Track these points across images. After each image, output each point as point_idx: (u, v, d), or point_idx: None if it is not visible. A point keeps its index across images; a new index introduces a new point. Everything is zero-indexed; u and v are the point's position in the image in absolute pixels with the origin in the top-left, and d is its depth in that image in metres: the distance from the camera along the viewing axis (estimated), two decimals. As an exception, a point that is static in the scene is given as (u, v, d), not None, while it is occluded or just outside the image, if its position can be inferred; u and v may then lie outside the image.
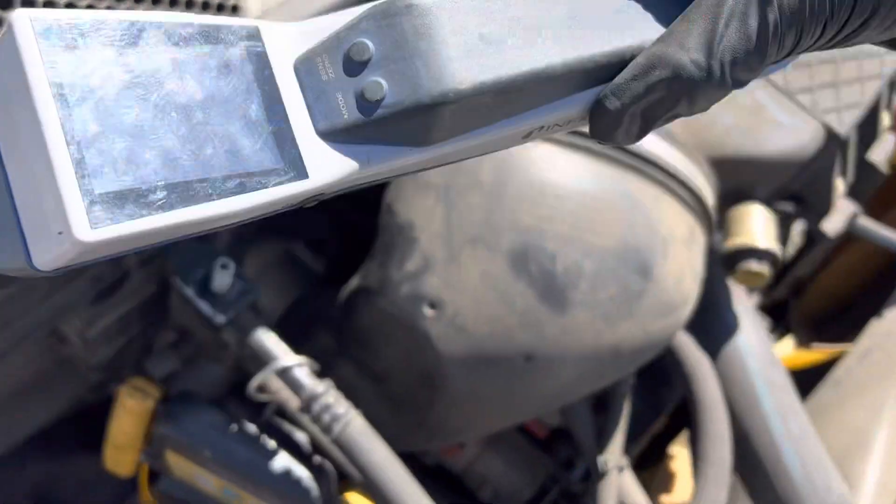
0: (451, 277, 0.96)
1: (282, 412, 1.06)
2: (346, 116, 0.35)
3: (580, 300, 0.96)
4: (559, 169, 0.97)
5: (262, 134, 0.34)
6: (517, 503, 1.60)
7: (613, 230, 0.97)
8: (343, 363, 1.12)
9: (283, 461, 1.05)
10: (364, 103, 0.35)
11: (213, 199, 0.32)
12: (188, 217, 0.31)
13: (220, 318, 0.94)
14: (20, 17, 0.28)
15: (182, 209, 0.31)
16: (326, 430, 0.94)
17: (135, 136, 0.30)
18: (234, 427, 1.06)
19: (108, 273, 0.89)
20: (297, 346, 1.18)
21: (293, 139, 0.35)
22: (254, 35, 0.35)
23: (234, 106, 0.33)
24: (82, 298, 0.87)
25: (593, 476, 1.16)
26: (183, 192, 0.31)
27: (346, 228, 1.84)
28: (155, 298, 1.05)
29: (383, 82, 0.35)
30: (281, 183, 0.34)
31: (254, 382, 0.96)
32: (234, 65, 0.34)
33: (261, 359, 0.97)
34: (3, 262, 0.30)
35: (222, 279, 0.93)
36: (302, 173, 0.34)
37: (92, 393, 1.12)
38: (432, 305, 0.97)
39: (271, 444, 1.05)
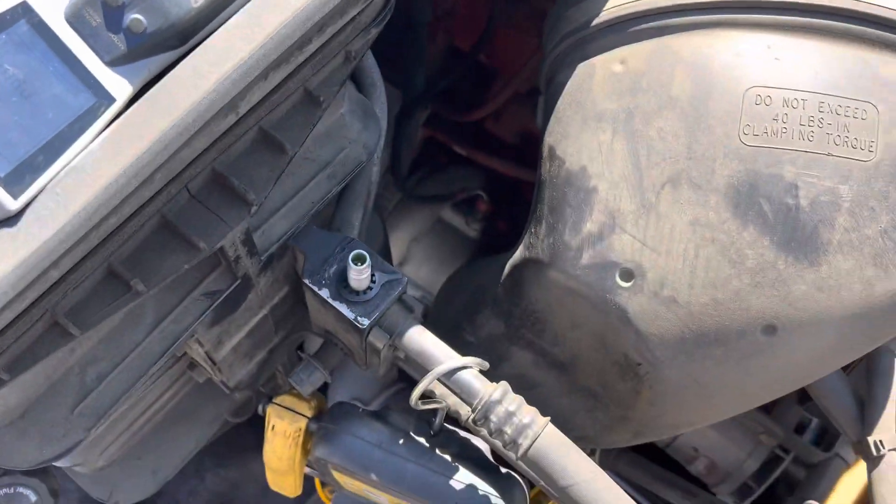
0: (649, 234, 0.72)
1: (454, 417, 0.88)
2: (122, 48, 0.52)
3: (839, 241, 0.69)
4: (784, 61, 0.70)
5: (72, 83, 0.50)
6: (740, 478, 1.35)
7: (877, 137, 0.68)
8: (517, 352, 0.91)
9: (462, 477, 0.86)
10: (133, 35, 0.52)
11: (72, 142, 0.50)
12: (65, 161, 0.49)
13: (363, 321, 0.76)
14: None
15: (59, 159, 0.49)
16: (510, 445, 0.74)
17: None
18: (401, 441, 0.89)
19: (221, 284, 0.73)
20: (458, 332, 0.99)
21: (93, 77, 0.51)
22: (27, 8, 0.49)
23: (45, 70, 0.49)
24: (199, 320, 0.72)
25: (841, 447, 0.89)
26: (51, 148, 0.49)
27: (495, 183, 1.63)
28: (290, 302, 0.89)
29: (142, 18, 0.51)
30: (103, 112, 0.51)
31: (415, 393, 0.78)
32: (26, 39, 0.49)
33: (418, 363, 0.78)
34: None
35: (359, 275, 0.74)
36: (110, 98, 0.51)
37: (243, 412, 0.99)
38: (627, 274, 0.73)
39: (446, 457, 0.87)
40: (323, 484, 1.24)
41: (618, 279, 0.74)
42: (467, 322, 0.97)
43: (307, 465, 1.01)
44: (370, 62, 0.89)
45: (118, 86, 0.52)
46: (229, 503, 1.59)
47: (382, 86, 0.90)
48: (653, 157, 0.71)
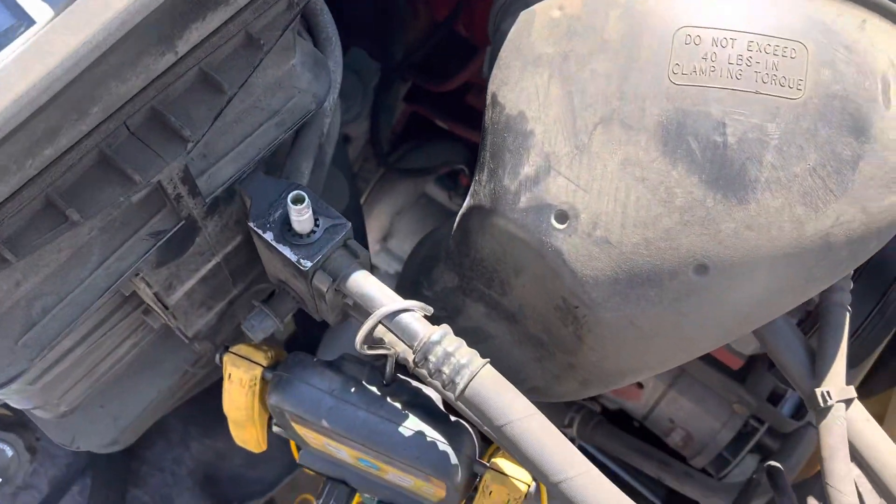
0: (582, 175, 0.73)
1: (404, 366, 0.89)
2: None
3: (767, 179, 0.69)
4: (715, 1, 0.70)
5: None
6: (715, 449, 1.35)
7: (806, 75, 0.68)
8: (470, 304, 0.92)
9: (411, 424, 0.88)
10: None
11: None
12: None
13: (305, 263, 0.77)
14: None
15: None
16: (449, 386, 0.75)
17: None
18: (353, 389, 0.90)
19: (165, 225, 0.75)
20: (417, 289, 1.00)
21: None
22: None
23: None
24: (142, 259, 0.74)
25: (812, 413, 0.89)
26: None
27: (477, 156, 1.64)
28: (246, 254, 0.91)
29: None
30: (22, 32, 0.54)
31: (359, 337, 0.79)
32: None
33: (363, 307, 0.80)
34: None
35: (300, 216, 0.76)
36: (30, 20, 0.54)
37: (204, 364, 1.01)
38: (561, 216, 0.74)
39: (396, 406, 0.89)
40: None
41: (553, 221, 0.74)
42: (424, 277, 0.98)
43: (276, 425, 1.03)
44: (326, 18, 0.91)
45: (38, 9, 0.54)
46: (215, 473, 1.61)
47: (339, 41, 0.92)
48: (586, 98, 0.72)
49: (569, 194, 0.73)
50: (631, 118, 0.71)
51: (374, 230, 1.61)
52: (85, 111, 0.64)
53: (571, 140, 0.73)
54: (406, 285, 1.03)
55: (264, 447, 1.06)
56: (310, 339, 1.73)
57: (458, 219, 0.88)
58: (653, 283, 0.73)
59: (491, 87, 0.81)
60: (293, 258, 0.78)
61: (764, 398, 1.29)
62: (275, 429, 1.04)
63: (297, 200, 0.75)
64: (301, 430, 0.98)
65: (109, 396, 0.95)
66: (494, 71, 0.81)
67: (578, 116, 0.72)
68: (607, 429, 1.40)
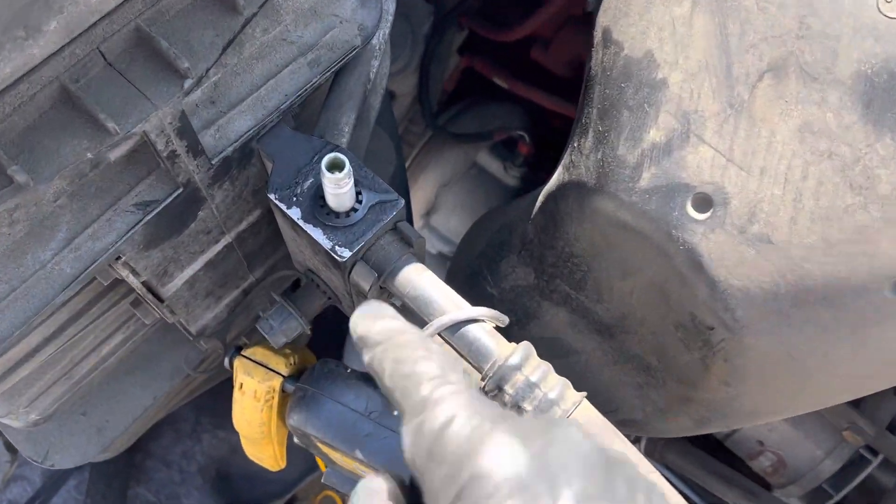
0: (737, 145, 0.51)
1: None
2: None
3: None
4: None
5: None
6: (815, 480, 1.14)
7: None
8: (549, 308, 0.72)
9: (470, 461, 0.68)
10: None
11: None
12: None
13: (343, 252, 0.57)
14: None
15: None
16: (531, 426, 0.55)
17: None
18: (396, 411, 0.70)
19: (157, 194, 0.56)
20: (477, 283, 0.80)
21: None
22: None
23: None
24: (124, 238, 0.55)
25: None
26: None
27: (540, 123, 1.42)
28: (266, 233, 0.72)
29: None
30: None
31: (409, 350, 0.59)
32: None
33: (416, 312, 0.60)
34: None
35: (338, 188, 0.56)
36: None
37: (211, 367, 0.82)
38: (703, 202, 0.53)
39: (451, 436, 0.69)
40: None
41: (690, 209, 0.53)
42: (488, 270, 0.78)
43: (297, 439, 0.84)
44: (378, -70, 0.70)
45: None
46: (228, 470, 1.44)
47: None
48: (748, 35, 0.51)
49: (715, 172, 0.52)
50: (817, 65, 0.49)
51: (416, 202, 1.41)
52: (36, 27, 0.44)
53: (723, 94, 0.51)
54: (460, 277, 0.83)
55: (283, 465, 0.88)
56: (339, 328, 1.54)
57: (542, 198, 0.67)
58: (830, 301, 0.52)
59: (602, 21, 0.59)
60: (327, 245, 0.58)
61: (884, 426, 1.07)
62: (296, 440, 0.85)
63: (335, 167, 0.55)
64: (329, 452, 0.79)
65: (93, 403, 0.77)
66: (605, 2, 0.59)
67: (736, 61, 0.51)
68: (682, 446, 1.19)
